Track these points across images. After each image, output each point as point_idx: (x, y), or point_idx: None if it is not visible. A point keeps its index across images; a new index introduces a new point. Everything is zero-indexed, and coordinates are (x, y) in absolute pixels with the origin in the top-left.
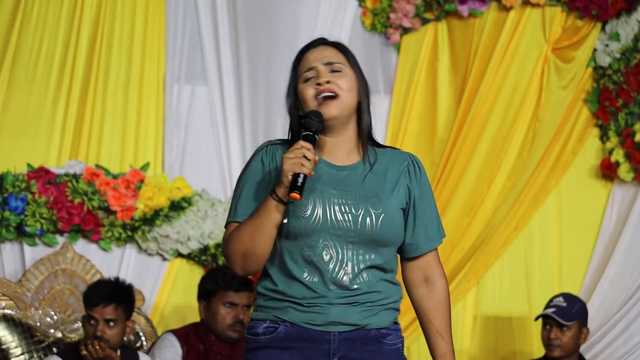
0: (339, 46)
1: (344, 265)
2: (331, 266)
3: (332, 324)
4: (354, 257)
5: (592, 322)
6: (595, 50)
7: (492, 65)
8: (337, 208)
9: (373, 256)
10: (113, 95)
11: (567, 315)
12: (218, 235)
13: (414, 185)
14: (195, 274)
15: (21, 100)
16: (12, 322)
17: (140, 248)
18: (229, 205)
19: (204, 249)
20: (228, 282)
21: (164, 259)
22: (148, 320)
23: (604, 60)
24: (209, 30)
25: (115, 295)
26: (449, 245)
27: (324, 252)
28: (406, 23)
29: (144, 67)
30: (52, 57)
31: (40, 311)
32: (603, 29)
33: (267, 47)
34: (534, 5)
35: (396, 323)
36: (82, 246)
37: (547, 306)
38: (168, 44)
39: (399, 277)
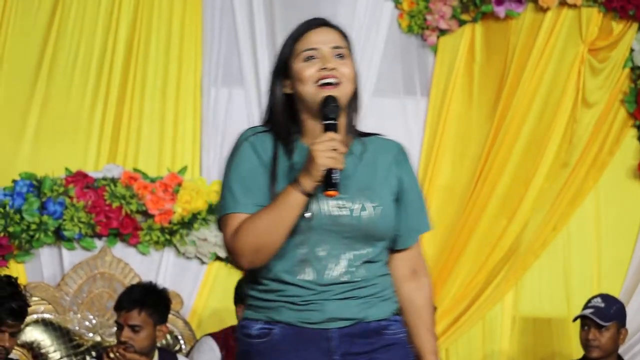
0: (341, 30)
1: (339, 262)
2: (325, 263)
3: (330, 320)
4: (350, 252)
5: (632, 323)
6: (632, 50)
7: (529, 66)
8: (332, 202)
9: (369, 250)
10: (150, 98)
11: (605, 316)
12: None
13: (403, 173)
14: (233, 277)
15: (59, 104)
16: (50, 326)
17: (178, 251)
18: (220, 197)
19: None
20: None
21: (202, 263)
22: (186, 323)
23: None
24: (246, 33)
25: (140, 300)
26: (487, 246)
27: (319, 249)
28: (443, 25)
29: (181, 71)
30: (90, 61)
31: (78, 315)
32: None
33: None
34: (570, 6)
35: (396, 314)
36: (120, 250)
37: (585, 307)
38: (205, 47)
39: None
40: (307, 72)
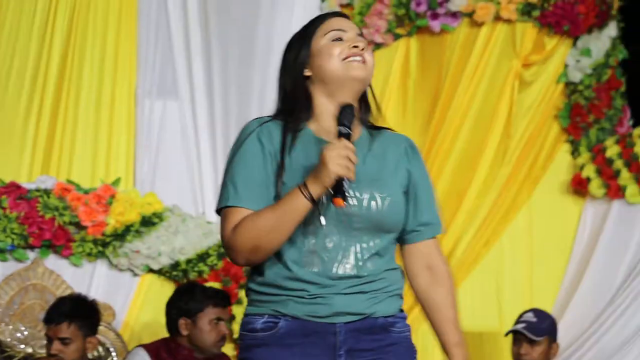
0: (356, 24)
1: (348, 254)
2: (334, 255)
3: (337, 314)
4: (358, 244)
5: (565, 338)
6: (566, 66)
7: (464, 80)
8: (344, 192)
9: (377, 242)
10: (85, 110)
11: (537, 331)
12: (189, 250)
13: (413, 167)
14: (165, 289)
15: None
16: None
17: (111, 263)
18: (223, 187)
19: (175, 265)
20: (214, 299)
21: (135, 275)
22: (118, 335)
23: (575, 76)
24: (181, 45)
25: (69, 313)
26: None
27: (327, 240)
28: (378, 38)
29: (115, 82)
30: (24, 72)
31: (10, 326)
32: (574, 44)
33: (239, 63)
34: (505, 20)
35: (402, 311)
36: (53, 261)
37: (517, 322)
38: (140, 59)
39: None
40: (334, 50)
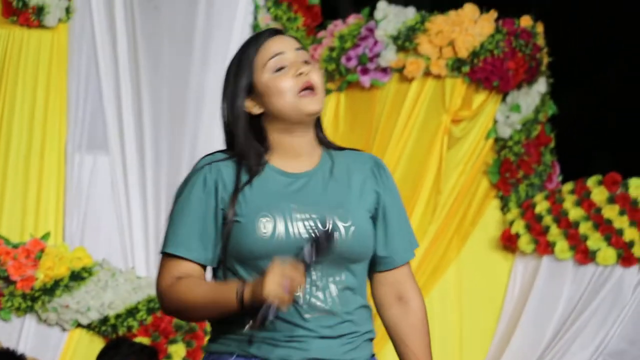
0: (294, 37)
1: (315, 290)
2: (300, 292)
3: None
4: (325, 278)
5: None
6: (496, 121)
7: (394, 136)
8: (300, 224)
9: (344, 276)
10: (14, 163)
11: None
12: (118, 305)
13: (382, 189)
14: (95, 344)
15: None
16: None
17: (40, 318)
18: (166, 229)
19: (104, 320)
20: (139, 354)
21: (64, 330)
22: None
23: (505, 132)
24: (112, 99)
25: None
26: None
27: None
28: None
29: (45, 136)
30: None
31: None
32: (504, 100)
33: (171, 118)
34: (435, 76)
35: (373, 355)
36: None
37: None
38: (70, 113)
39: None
40: (284, 83)
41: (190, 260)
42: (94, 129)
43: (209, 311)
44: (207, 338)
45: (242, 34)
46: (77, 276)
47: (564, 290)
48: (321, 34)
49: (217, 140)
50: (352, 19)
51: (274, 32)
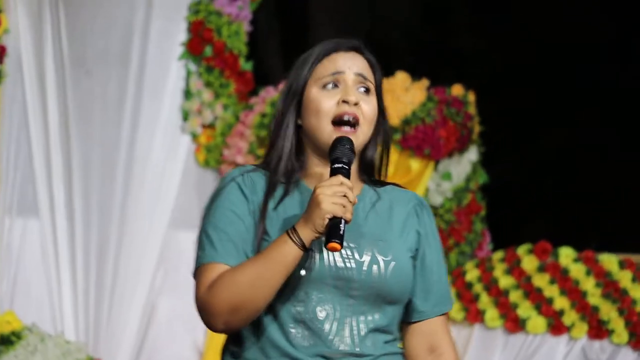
0: (370, 61)
1: (343, 327)
2: (327, 326)
3: None
4: (355, 316)
5: None
6: (427, 189)
7: None
8: (336, 253)
9: (377, 316)
10: None
11: None
12: None
13: (423, 230)
14: None
15: None
16: None
17: None
18: (198, 245)
19: None
20: None
21: None
22: None
23: (436, 200)
24: (42, 164)
25: None
26: None
27: (319, 308)
28: (239, 159)
29: None
30: None
31: None
32: (435, 168)
33: (101, 183)
34: None
35: None
36: None
37: None
38: (0, 177)
39: None
40: (325, 104)
41: (229, 266)
42: (25, 193)
43: (266, 278)
44: None
45: (173, 99)
46: (6, 340)
47: (495, 358)
48: (253, 100)
49: (145, 207)
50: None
51: (350, 48)
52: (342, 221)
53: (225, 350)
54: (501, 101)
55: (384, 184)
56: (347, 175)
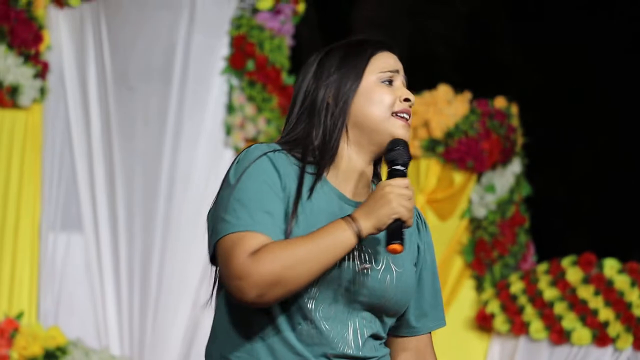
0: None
1: (347, 329)
2: (332, 327)
3: None
4: (358, 321)
5: None
6: (471, 202)
7: None
8: (355, 254)
9: (376, 324)
10: None
11: None
12: None
13: (423, 245)
14: None
15: None
16: None
17: None
18: (227, 213)
19: None
20: None
21: None
22: None
23: (480, 212)
24: (85, 178)
25: None
26: None
27: (328, 308)
28: None
29: (19, 215)
30: None
31: None
32: (479, 180)
33: (144, 197)
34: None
35: None
36: None
37: None
38: (44, 192)
39: None
40: (388, 96)
41: (268, 237)
42: (68, 208)
43: (317, 259)
44: None
45: (215, 114)
46: (51, 355)
47: None
48: None
49: (188, 221)
50: None
51: (392, 48)
52: (404, 225)
53: (220, 339)
54: (544, 113)
55: None
56: (404, 177)
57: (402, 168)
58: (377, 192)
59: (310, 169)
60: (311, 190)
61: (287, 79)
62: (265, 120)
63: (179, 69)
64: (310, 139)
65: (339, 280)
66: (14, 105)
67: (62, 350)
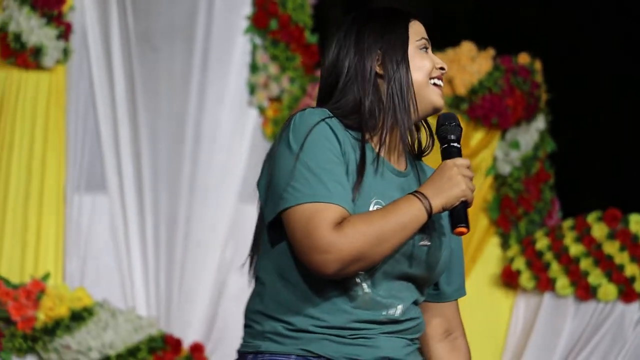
0: None
1: (396, 297)
2: (382, 292)
3: (381, 359)
4: (405, 289)
5: None
6: (495, 158)
7: None
8: (419, 232)
9: (418, 292)
10: (13, 204)
11: None
12: (119, 345)
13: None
14: None
15: None
16: None
17: (41, 358)
18: (296, 177)
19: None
20: None
21: None
22: None
23: (504, 169)
24: (109, 140)
25: None
26: None
27: (383, 277)
28: None
29: (43, 177)
30: None
31: None
32: (503, 137)
33: (169, 158)
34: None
35: None
36: None
37: None
38: (68, 154)
39: None
40: (426, 62)
41: (345, 210)
42: (93, 169)
43: (397, 236)
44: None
45: (239, 73)
46: (78, 316)
47: (566, 326)
48: (319, 72)
49: (213, 181)
50: None
51: (417, 17)
52: (468, 206)
53: (265, 297)
54: (568, 68)
55: (415, 158)
56: (461, 155)
57: (459, 145)
58: (444, 171)
59: (359, 136)
60: (373, 160)
61: (310, 38)
62: (289, 78)
63: (202, 28)
64: (364, 108)
65: (404, 253)
66: (38, 66)
67: (89, 311)
